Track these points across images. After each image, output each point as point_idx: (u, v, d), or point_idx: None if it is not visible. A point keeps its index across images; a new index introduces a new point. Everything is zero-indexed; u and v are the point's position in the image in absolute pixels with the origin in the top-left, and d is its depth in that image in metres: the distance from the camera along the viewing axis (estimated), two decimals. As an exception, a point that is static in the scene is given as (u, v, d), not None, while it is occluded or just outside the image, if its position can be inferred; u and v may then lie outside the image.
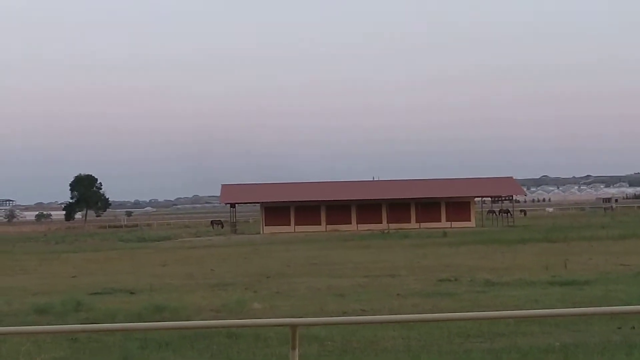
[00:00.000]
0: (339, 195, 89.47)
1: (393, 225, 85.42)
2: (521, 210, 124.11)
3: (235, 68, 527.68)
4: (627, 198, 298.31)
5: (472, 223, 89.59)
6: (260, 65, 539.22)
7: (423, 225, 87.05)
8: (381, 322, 9.40)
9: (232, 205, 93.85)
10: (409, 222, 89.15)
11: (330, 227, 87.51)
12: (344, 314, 20.62)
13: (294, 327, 7.70)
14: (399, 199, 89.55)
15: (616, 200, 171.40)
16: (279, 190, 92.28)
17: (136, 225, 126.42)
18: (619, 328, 16.43)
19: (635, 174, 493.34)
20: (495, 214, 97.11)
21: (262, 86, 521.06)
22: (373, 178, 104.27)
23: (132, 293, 27.24)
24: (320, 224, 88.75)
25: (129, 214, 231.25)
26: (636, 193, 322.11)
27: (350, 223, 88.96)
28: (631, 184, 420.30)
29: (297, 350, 7.81)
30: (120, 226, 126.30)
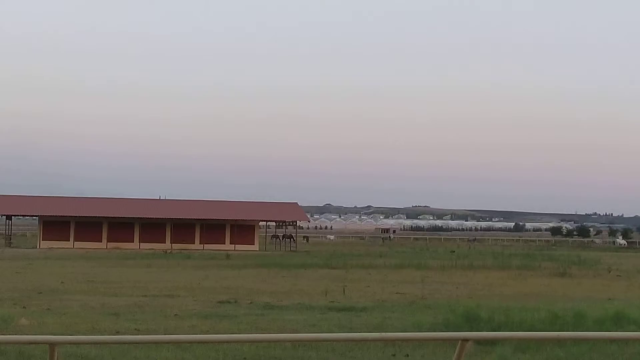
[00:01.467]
0: (122, 213, 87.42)
1: (176, 246, 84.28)
2: (304, 237, 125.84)
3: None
4: (404, 229, 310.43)
5: (255, 246, 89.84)
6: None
7: (207, 246, 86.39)
8: (147, 342, 8.81)
9: (8, 217, 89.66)
10: (193, 242, 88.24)
11: (111, 244, 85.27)
12: (117, 333, 19.84)
13: (52, 345, 7.05)
14: (184, 219, 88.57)
15: (394, 231, 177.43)
16: (58, 203, 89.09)
17: None
18: (394, 355, 16.54)
19: (412, 206, 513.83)
20: (279, 239, 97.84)
21: (46, 93, 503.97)
22: (159, 197, 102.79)
23: None
24: (101, 241, 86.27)
25: None
26: (412, 225, 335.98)
27: (133, 241, 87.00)
28: (408, 216, 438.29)
29: (55, 370, 7.12)
30: None
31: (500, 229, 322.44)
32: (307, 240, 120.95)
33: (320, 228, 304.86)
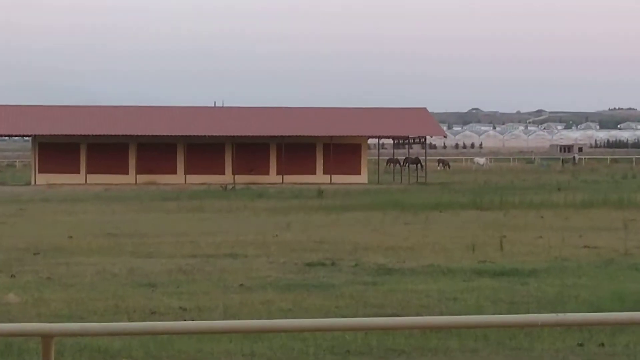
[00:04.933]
0: (158, 129, 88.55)
1: (241, 178, 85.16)
2: (439, 161, 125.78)
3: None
4: (596, 146, 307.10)
5: (362, 177, 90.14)
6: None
7: (288, 178, 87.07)
8: (192, 333, 8.72)
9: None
10: (267, 173, 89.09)
11: (143, 177, 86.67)
12: (152, 314, 20.24)
13: (46, 337, 7.13)
14: (252, 136, 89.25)
15: (580, 149, 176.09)
16: (62, 117, 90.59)
17: None
18: (581, 345, 16.40)
19: (609, 110, 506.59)
20: (399, 165, 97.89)
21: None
22: (214, 104, 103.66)
23: None
24: (127, 173, 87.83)
25: None
26: (609, 138, 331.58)
27: (175, 172, 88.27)
28: (603, 125, 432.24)
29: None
30: None
31: None
32: (445, 167, 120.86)
33: (464, 147, 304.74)
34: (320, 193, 64.90)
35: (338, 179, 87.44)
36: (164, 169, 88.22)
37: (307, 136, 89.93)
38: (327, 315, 19.79)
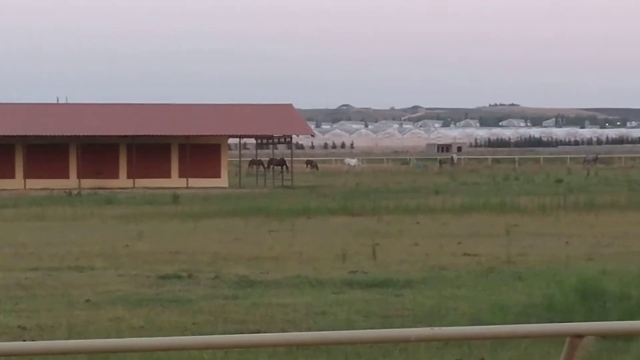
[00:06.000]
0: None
1: (88, 182, 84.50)
2: (307, 162, 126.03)
3: None
4: (476, 145, 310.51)
5: (222, 181, 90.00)
6: None
7: (140, 182, 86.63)
8: (38, 353, 8.60)
9: None
10: (116, 177, 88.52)
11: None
12: (-13, 335, 19.94)
13: None
14: (100, 136, 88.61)
15: (459, 149, 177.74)
16: None
17: None
18: (459, 360, 16.56)
19: (489, 106, 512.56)
20: (263, 167, 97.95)
21: None
22: (57, 100, 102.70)
23: None
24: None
25: None
26: (491, 137, 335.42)
27: (13, 177, 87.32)
28: (483, 123, 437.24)
29: None
30: None
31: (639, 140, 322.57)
32: (313, 168, 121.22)
33: (334, 146, 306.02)
34: (175, 198, 64.71)
35: (195, 182, 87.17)
36: (1, 172, 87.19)
37: (161, 136, 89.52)
38: (183, 332, 19.79)
